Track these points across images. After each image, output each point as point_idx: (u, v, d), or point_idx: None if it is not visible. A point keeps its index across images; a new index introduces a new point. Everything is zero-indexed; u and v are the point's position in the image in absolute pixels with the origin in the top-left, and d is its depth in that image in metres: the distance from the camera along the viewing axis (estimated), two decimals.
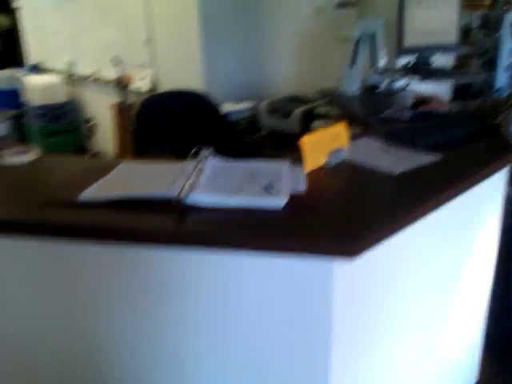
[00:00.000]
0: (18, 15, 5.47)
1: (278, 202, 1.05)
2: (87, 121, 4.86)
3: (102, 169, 1.24)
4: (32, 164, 1.35)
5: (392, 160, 1.35)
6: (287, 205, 1.04)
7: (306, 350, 1.07)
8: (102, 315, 1.15)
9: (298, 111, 2.81)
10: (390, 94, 2.02)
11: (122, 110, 4.02)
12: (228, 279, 1.05)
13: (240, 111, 3.19)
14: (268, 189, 1.10)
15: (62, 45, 4.85)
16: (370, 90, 2.16)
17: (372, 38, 2.08)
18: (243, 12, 3.54)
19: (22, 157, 1.36)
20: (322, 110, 2.56)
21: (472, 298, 1.72)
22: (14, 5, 5.38)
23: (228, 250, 0.99)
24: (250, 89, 3.54)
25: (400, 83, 2.06)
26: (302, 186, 1.15)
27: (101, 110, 4.53)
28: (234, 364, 1.12)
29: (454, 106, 1.85)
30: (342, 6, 2.74)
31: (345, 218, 1.04)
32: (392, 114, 1.79)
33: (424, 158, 1.36)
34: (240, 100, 3.35)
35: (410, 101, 1.88)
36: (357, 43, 2.16)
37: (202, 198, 1.06)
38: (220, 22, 3.47)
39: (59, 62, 4.91)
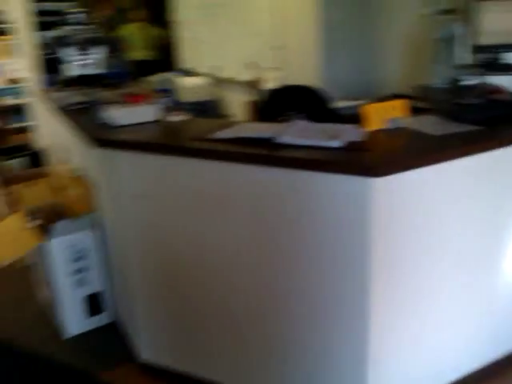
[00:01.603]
0: (172, 27, 6.54)
1: (336, 143, 1.58)
2: (225, 116, 5.68)
3: (229, 125, 1.87)
4: (183, 122, 2.04)
5: (440, 128, 1.79)
6: (344, 147, 1.56)
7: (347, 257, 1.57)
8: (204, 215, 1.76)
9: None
10: (468, 86, 2.38)
11: (254, 107, 4.73)
12: (300, 191, 1.59)
13: (350, 107, 3.67)
14: (332, 137, 1.63)
15: (209, 52, 5.75)
16: (453, 84, 2.53)
17: (455, 38, 2.46)
18: (359, 19, 4.05)
19: (177, 117, 2.06)
20: (418, 104, 2.96)
21: None
22: (169, 18, 6.45)
23: (302, 171, 1.54)
24: (364, 88, 4.01)
25: (477, 78, 2.41)
26: (359, 138, 1.66)
27: (237, 107, 5.29)
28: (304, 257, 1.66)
29: None
30: (442, 12, 3.11)
31: (386, 154, 1.53)
32: (463, 101, 2.18)
33: (468, 128, 1.78)
34: (354, 98, 3.85)
35: (481, 91, 2.25)
36: (442, 43, 2.56)
37: (288, 139, 1.63)
38: (339, 29, 4.02)
39: (206, 66, 5.82)
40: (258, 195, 1.66)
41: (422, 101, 2.92)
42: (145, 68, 6.68)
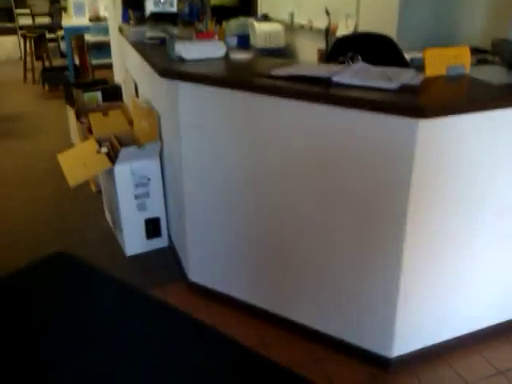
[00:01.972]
0: None
1: (392, 85, 1.60)
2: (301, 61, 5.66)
3: (289, 64, 1.93)
4: (247, 60, 2.12)
5: (500, 78, 1.76)
6: (401, 89, 1.59)
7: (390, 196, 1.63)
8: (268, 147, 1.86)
9: (473, 59, 3.11)
10: None
11: (324, 54, 4.68)
12: (351, 129, 1.65)
13: (420, 59, 3.57)
14: (389, 79, 1.65)
15: None
16: None
17: None
18: None
19: (244, 55, 2.14)
20: (491, 58, 2.85)
21: None
22: None
23: (353, 110, 1.59)
24: (443, 40, 3.86)
25: None
26: (417, 82, 1.67)
27: (310, 54, 5.25)
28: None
29: None
30: None
31: (437, 98, 1.55)
32: None
33: None
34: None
35: None
36: None
37: (343, 78, 1.67)
38: None
39: (283, 12, 5.77)
40: (311, 131, 1.73)
41: (497, 54, 2.81)
42: (224, 13, 6.74)
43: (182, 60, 2.07)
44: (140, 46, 2.56)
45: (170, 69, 2.01)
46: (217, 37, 2.26)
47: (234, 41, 2.40)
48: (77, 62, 6.23)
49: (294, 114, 1.75)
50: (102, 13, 5.92)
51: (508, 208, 1.81)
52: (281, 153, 1.84)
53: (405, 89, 1.60)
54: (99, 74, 5.16)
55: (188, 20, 2.90)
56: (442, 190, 1.66)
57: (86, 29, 5.77)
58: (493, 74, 1.83)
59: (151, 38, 2.57)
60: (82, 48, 6.17)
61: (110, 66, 5.19)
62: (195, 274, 2.33)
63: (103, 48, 5.49)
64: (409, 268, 1.72)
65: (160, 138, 2.53)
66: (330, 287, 1.91)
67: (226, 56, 2.16)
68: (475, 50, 3.28)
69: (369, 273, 1.79)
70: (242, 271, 2.17)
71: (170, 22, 2.74)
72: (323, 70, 1.77)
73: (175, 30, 2.59)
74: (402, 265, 1.70)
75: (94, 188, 3.47)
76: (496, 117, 1.59)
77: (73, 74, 5.96)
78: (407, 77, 1.70)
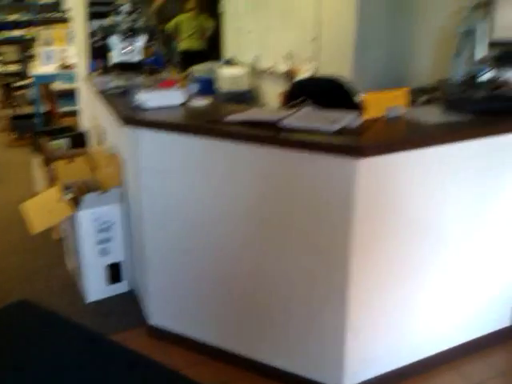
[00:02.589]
0: (220, 18, 6.77)
1: (333, 127, 1.74)
2: (262, 105, 5.87)
3: (243, 109, 2.07)
4: (205, 106, 2.26)
5: (436, 118, 1.92)
6: (341, 131, 1.73)
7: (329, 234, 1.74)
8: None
9: (422, 99, 3.33)
10: (481, 80, 2.47)
11: (285, 97, 4.89)
12: (297, 170, 1.77)
13: None
14: (332, 122, 1.80)
15: (251, 43, 5.94)
16: (469, 77, 2.61)
17: (474, 33, 2.54)
18: (393, 14, 4.13)
19: (201, 102, 2.27)
20: (436, 96, 3.05)
21: (505, 243, 2.13)
22: (218, 9, 6.68)
23: (299, 152, 1.72)
24: (395, 80, 4.10)
25: (493, 71, 2.49)
26: (356, 124, 1.81)
27: (272, 97, 5.46)
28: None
29: None
30: (476, 7, 3.15)
31: (375, 140, 1.69)
32: (471, 94, 2.28)
33: (462, 117, 1.90)
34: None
35: (490, 84, 2.34)
36: (462, 37, 2.64)
37: (290, 122, 1.81)
38: (373, 22, 4.12)
39: (247, 56, 6.02)
40: (263, 173, 1.85)
41: (440, 93, 3.01)
42: (193, 57, 6.98)
43: (143, 108, 2.19)
44: (105, 95, 2.68)
45: (132, 117, 2.12)
46: (178, 84, 2.39)
47: (195, 88, 2.54)
48: (45, 109, 6.32)
49: (246, 158, 1.87)
50: (71, 61, 6.07)
51: (445, 238, 1.95)
52: (236, 195, 1.95)
53: (346, 130, 1.74)
54: (67, 121, 5.25)
55: (154, 68, 3.03)
56: (383, 224, 1.79)
57: (55, 76, 5.89)
58: (430, 114, 2.00)
59: (115, 88, 2.69)
60: (51, 95, 6.28)
61: (73, 114, 5.29)
62: (156, 318, 2.38)
63: (71, 95, 5.60)
64: (355, 300, 1.82)
65: (124, 183, 2.62)
66: (282, 324, 2.00)
67: (186, 103, 2.29)
68: (426, 90, 3.51)
69: (317, 308, 1.89)
70: (201, 313, 2.24)
71: (135, 70, 2.87)
72: (273, 115, 1.91)
73: (139, 79, 2.72)
74: (348, 298, 1.81)
75: (55, 236, 3.50)
76: (429, 154, 1.74)
77: (41, 122, 6.04)
78: (349, 119, 1.84)
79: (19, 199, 4.05)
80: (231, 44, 6.62)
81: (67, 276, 2.99)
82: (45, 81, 6.01)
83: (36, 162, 4.04)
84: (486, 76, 2.54)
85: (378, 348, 1.97)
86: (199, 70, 6.03)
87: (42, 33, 6.25)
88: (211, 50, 8.15)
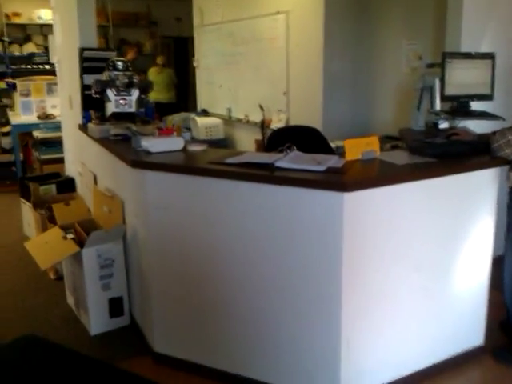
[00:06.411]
0: (192, 72, 7.20)
1: (321, 167, 2.06)
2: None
3: (238, 153, 2.37)
4: (204, 151, 2.56)
5: (404, 160, 2.28)
6: (328, 170, 2.05)
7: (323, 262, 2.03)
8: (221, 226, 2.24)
9: (388, 146, 3.74)
10: (440, 129, 2.88)
11: (261, 144, 5.26)
12: (291, 203, 2.07)
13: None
14: (319, 163, 2.12)
15: (224, 95, 6.35)
16: (431, 127, 3.03)
17: (431, 88, 2.98)
18: (357, 70, 4.64)
19: (198, 147, 2.57)
20: (400, 144, 3.46)
21: (473, 266, 2.47)
22: (193, 64, 7.11)
23: (292, 187, 2.03)
24: (360, 129, 4.53)
25: (449, 122, 2.91)
26: (339, 165, 2.14)
27: (248, 144, 5.83)
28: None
29: (478, 136, 2.65)
30: (430, 66, 3.61)
31: (356, 176, 2.02)
32: (431, 140, 2.66)
33: (425, 160, 2.26)
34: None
35: (447, 132, 2.74)
36: (421, 92, 3.07)
37: (283, 164, 2.12)
38: (338, 78, 4.60)
39: (221, 108, 6.41)
40: (260, 207, 2.14)
41: (402, 141, 3.42)
42: (164, 109, 7.33)
43: (147, 152, 2.46)
44: (105, 142, 2.94)
45: (139, 160, 2.39)
46: (175, 133, 2.69)
47: (187, 135, 2.84)
48: (21, 157, 6.47)
49: (245, 195, 2.16)
50: (50, 111, 6.30)
51: (420, 262, 2.26)
52: (235, 228, 2.22)
53: (331, 170, 2.07)
54: (50, 168, 5.41)
55: (144, 118, 3.33)
56: (368, 250, 2.09)
57: (34, 126, 6.08)
58: (398, 157, 2.35)
59: (115, 135, 2.96)
60: (27, 144, 6.46)
61: (58, 161, 5.47)
62: (160, 345, 2.56)
63: (51, 144, 5.80)
64: (348, 318, 2.08)
65: (125, 221, 2.85)
66: (282, 344, 2.23)
67: (185, 148, 2.58)
68: (389, 138, 3.94)
69: (314, 327, 2.14)
70: (203, 338, 2.44)
71: (129, 120, 3.15)
72: (267, 158, 2.22)
73: (135, 128, 3.00)
74: (341, 316, 2.07)
75: (52, 275, 3.64)
76: (401, 189, 2.08)
77: (20, 169, 6.18)
78: (332, 161, 2.17)
79: (13, 243, 4.19)
80: (204, 96, 7.02)
81: (68, 312, 3.13)
82: (24, 130, 6.19)
83: (26, 207, 4.20)
84: (442, 125, 2.96)
85: (370, 362, 2.22)
86: (174, 120, 6.37)
87: (20, 84, 6.48)
88: (179, 102, 8.56)
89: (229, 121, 6.27)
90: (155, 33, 9.49)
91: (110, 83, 3.09)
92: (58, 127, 5.44)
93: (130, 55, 8.46)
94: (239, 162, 2.22)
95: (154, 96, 8.14)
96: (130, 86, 3.09)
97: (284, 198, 2.07)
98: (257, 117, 5.47)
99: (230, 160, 2.25)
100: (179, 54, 9.71)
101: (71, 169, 4.71)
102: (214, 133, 6.10)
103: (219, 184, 2.20)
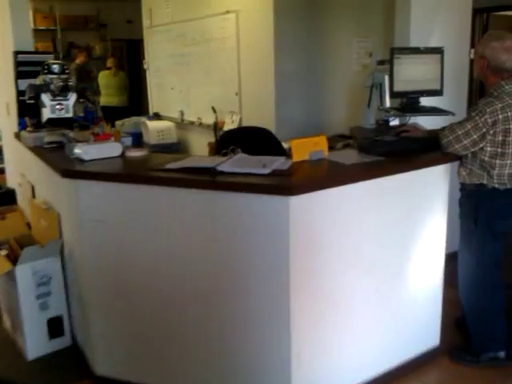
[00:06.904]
0: (143, 74, 6.99)
1: (266, 170, 1.94)
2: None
3: (180, 158, 2.22)
4: (144, 156, 2.39)
5: (352, 159, 2.18)
6: (273, 173, 1.92)
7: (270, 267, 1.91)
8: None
9: (340, 145, 3.66)
10: (390, 126, 2.81)
11: (213, 147, 5.11)
12: (234, 209, 1.93)
13: None
14: (264, 165, 1.99)
15: (176, 98, 6.17)
16: (379, 124, 2.95)
17: (381, 85, 2.90)
18: (309, 69, 4.54)
19: (139, 153, 2.40)
20: (351, 142, 3.38)
21: (426, 265, 2.39)
22: (143, 66, 6.90)
23: (234, 193, 1.89)
24: (313, 129, 4.44)
25: (399, 118, 2.84)
26: (286, 167, 2.02)
27: (201, 147, 5.66)
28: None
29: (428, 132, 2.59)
30: (381, 63, 3.55)
31: (302, 178, 1.90)
32: (381, 138, 2.58)
33: (374, 158, 2.17)
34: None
35: (397, 129, 2.67)
36: (371, 90, 3.00)
37: (226, 167, 1.98)
38: (290, 78, 4.50)
39: (172, 111, 6.23)
40: (202, 214, 1.99)
41: (353, 139, 3.34)
42: (115, 113, 7.08)
43: (81, 161, 2.28)
44: (39, 150, 2.73)
45: (70, 169, 2.20)
46: (113, 138, 2.51)
47: (128, 140, 2.67)
48: None
49: (186, 202, 2.01)
50: None
51: (370, 264, 2.16)
52: (176, 238, 2.07)
53: (277, 173, 1.94)
54: None
55: (84, 124, 3.13)
56: (317, 255, 1.98)
57: None
58: (347, 156, 2.25)
59: (50, 143, 2.75)
60: None
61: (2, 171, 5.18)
62: (102, 368, 2.37)
63: None
64: (298, 328, 1.96)
65: (60, 236, 2.64)
66: (230, 358, 2.09)
67: (123, 154, 2.40)
68: (342, 137, 3.86)
69: (262, 339, 2.01)
70: (147, 357, 2.27)
71: (66, 126, 2.94)
72: (209, 162, 2.08)
73: (72, 134, 2.81)
74: (290, 327, 1.94)
75: None
76: (350, 190, 1.97)
77: None
78: (278, 163, 2.05)
79: None
80: (155, 99, 6.82)
81: (5, 334, 2.90)
82: None
83: None
84: (392, 122, 2.89)
85: (323, 372, 2.10)
86: (125, 124, 6.14)
87: None
88: (132, 105, 8.32)
89: (181, 124, 6.09)
90: (105, 36, 9.21)
91: (45, 87, 2.89)
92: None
93: (80, 59, 8.19)
94: (179, 168, 2.07)
95: (105, 100, 7.93)
96: (65, 89, 2.89)
97: (226, 205, 1.94)
98: (210, 119, 5.32)
99: (169, 165, 2.10)
100: (132, 57, 9.46)
101: (12, 180, 4.44)
102: (167, 136, 5.90)
103: (157, 192, 2.04)
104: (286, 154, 3.27)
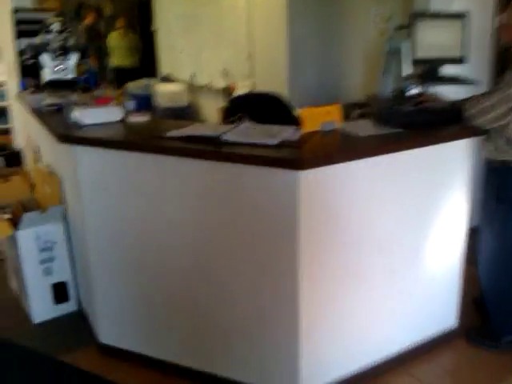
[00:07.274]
0: (153, 36, 6.78)
1: (273, 141, 1.80)
2: (201, 121, 5.90)
3: (184, 125, 2.09)
4: (144, 122, 2.27)
5: (367, 131, 2.03)
6: (281, 144, 1.79)
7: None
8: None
9: (355, 113, 3.49)
10: (409, 95, 2.64)
11: (224, 112, 4.96)
12: (239, 182, 1.82)
13: None
14: (272, 135, 1.86)
15: (186, 60, 5.98)
16: (397, 93, 2.78)
17: (399, 52, 2.72)
18: (323, 33, 4.31)
19: (139, 118, 2.27)
20: (367, 111, 3.21)
21: (446, 244, 2.27)
22: (152, 28, 6.68)
23: (240, 165, 1.77)
24: (328, 96, 4.26)
25: (419, 87, 2.66)
26: (295, 137, 1.89)
27: (211, 112, 5.51)
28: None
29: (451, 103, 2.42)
30: (398, 28, 3.35)
31: (312, 151, 1.77)
32: (398, 109, 2.42)
33: (391, 130, 2.02)
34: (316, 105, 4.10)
35: (416, 99, 2.50)
36: (388, 56, 2.81)
37: (231, 137, 1.85)
38: (305, 41, 4.28)
39: (183, 74, 6.05)
40: (205, 186, 1.88)
41: (371, 108, 3.17)
42: (126, 74, 6.91)
43: (79, 125, 2.16)
44: (38, 113, 2.62)
45: (68, 134, 2.09)
46: (115, 101, 2.39)
47: (131, 104, 2.54)
48: None
49: (189, 172, 1.89)
50: (2, 79, 5.85)
51: (385, 242, 2.04)
52: (180, 209, 1.96)
53: (285, 144, 1.81)
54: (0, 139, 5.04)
55: (87, 85, 3.00)
56: (327, 231, 1.86)
57: None
58: (363, 127, 2.10)
59: (49, 105, 2.63)
60: None
61: (5, 132, 5.09)
62: (106, 336, 2.32)
63: (3, 113, 5.40)
64: (306, 306, 1.86)
65: (64, 201, 2.56)
66: (235, 334, 2.02)
67: (124, 119, 2.28)
68: (357, 105, 3.68)
69: (270, 315, 1.92)
70: (152, 329, 2.21)
71: (68, 89, 2.82)
72: (214, 130, 1.95)
73: (74, 97, 2.68)
74: (299, 304, 1.84)
75: None
76: (363, 164, 1.84)
77: None
78: (288, 133, 1.91)
79: None
80: (165, 61, 6.63)
81: (12, 296, 2.88)
82: None
83: None
84: (412, 91, 2.72)
85: (332, 352, 2.02)
86: (135, 86, 5.99)
87: None
88: (144, 67, 8.12)
89: (193, 87, 5.92)
90: None
91: (44, 47, 2.76)
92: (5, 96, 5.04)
93: (89, 19, 7.96)
94: (182, 136, 1.94)
95: (116, 61, 7.74)
96: (66, 49, 2.76)
97: (231, 177, 1.81)
98: (221, 83, 5.15)
99: (171, 133, 1.98)
100: (144, 18, 9.19)
101: (19, 141, 4.36)
102: (177, 100, 5.76)
103: (158, 161, 1.92)
104: (297, 122, 3.13)
